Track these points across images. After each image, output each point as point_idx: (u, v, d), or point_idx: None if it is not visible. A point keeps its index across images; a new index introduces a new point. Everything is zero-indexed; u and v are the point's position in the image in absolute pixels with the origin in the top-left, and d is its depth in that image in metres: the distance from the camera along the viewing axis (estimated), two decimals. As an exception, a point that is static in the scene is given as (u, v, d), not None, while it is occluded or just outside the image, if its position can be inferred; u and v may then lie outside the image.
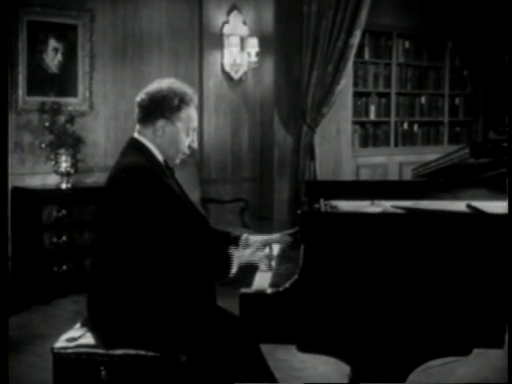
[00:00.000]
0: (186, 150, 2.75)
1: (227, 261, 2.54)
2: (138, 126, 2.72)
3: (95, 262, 2.71)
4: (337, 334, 2.31)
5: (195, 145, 2.78)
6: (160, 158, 2.71)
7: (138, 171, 2.56)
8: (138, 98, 2.71)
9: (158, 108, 2.66)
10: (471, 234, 2.32)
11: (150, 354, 2.54)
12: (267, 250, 2.72)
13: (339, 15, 6.48)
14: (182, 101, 2.68)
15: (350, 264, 2.28)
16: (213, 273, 2.62)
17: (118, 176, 2.61)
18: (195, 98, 2.76)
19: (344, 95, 7.17)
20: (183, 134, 2.71)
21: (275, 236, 2.83)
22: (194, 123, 2.75)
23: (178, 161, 2.76)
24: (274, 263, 2.68)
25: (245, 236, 2.80)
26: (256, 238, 2.79)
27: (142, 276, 2.53)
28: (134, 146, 2.69)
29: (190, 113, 2.72)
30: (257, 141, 6.95)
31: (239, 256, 2.57)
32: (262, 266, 2.64)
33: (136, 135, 2.71)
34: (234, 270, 2.55)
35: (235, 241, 2.79)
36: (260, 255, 2.65)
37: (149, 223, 2.50)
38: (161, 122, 2.66)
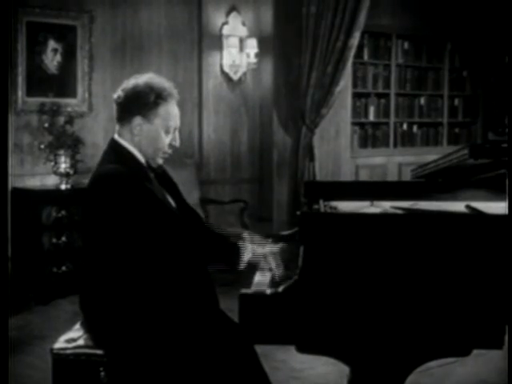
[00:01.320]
0: (167, 149, 2.60)
1: (235, 253, 2.46)
2: (117, 126, 2.59)
3: (84, 266, 2.62)
4: (336, 335, 2.31)
5: (177, 143, 2.61)
6: (142, 159, 2.59)
7: (113, 178, 2.44)
8: (115, 95, 2.58)
9: (134, 105, 2.53)
10: (471, 234, 2.32)
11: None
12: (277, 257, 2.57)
13: (338, 16, 6.48)
14: (160, 96, 2.54)
15: (350, 265, 2.29)
16: (218, 262, 2.53)
17: (94, 184, 2.51)
18: (175, 93, 2.59)
19: (343, 96, 7.17)
20: (162, 132, 2.56)
21: (275, 250, 2.61)
22: (175, 121, 2.60)
23: (160, 161, 2.63)
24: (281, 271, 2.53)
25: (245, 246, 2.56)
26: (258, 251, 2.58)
27: (130, 279, 2.47)
28: (114, 149, 2.57)
29: (169, 109, 2.57)
30: (256, 142, 6.95)
31: (251, 251, 2.48)
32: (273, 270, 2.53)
33: (116, 137, 2.59)
34: (243, 263, 2.46)
35: (232, 248, 2.55)
36: (271, 259, 2.52)
37: (128, 228, 2.41)
38: (137, 120, 2.53)
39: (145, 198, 2.45)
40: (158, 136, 2.57)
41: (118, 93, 2.59)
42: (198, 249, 2.52)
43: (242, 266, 2.48)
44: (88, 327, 2.64)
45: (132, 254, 2.45)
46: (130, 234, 2.42)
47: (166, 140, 2.59)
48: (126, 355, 2.49)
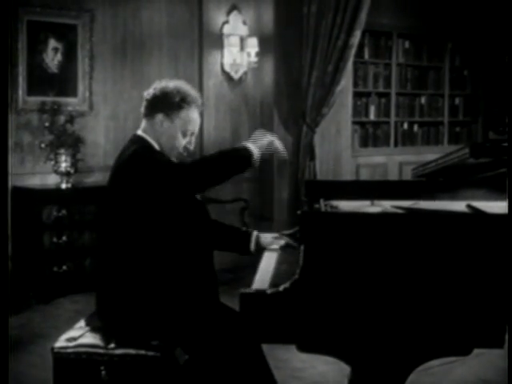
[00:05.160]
0: (182, 150, 2.77)
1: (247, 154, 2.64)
2: (143, 123, 2.78)
3: (102, 259, 2.73)
4: (337, 334, 2.31)
5: (192, 147, 2.80)
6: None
7: (144, 155, 2.62)
8: (145, 92, 2.79)
9: (159, 103, 2.72)
10: (471, 234, 2.32)
11: (150, 353, 2.55)
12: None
13: (339, 15, 6.48)
14: (184, 100, 2.72)
15: (350, 264, 2.29)
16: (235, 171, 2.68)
17: (123, 164, 2.65)
18: (199, 101, 2.78)
19: (344, 95, 7.17)
20: (180, 133, 2.74)
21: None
22: (194, 126, 2.77)
23: (173, 159, 2.77)
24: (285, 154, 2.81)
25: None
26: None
27: (151, 267, 2.59)
28: (136, 141, 2.73)
29: (191, 114, 2.74)
30: (257, 141, 6.93)
31: (257, 145, 2.70)
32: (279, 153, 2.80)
33: (139, 132, 2.77)
34: (256, 157, 2.66)
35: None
36: (277, 143, 2.86)
37: (161, 201, 2.58)
38: (160, 117, 2.71)
39: (172, 176, 2.62)
40: (175, 135, 2.74)
41: (149, 90, 2.78)
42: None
43: (257, 162, 2.69)
44: (100, 322, 2.70)
45: (158, 234, 2.60)
46: (161, 204, 2.59)
47: (182, 141, 2.76)
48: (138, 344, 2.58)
